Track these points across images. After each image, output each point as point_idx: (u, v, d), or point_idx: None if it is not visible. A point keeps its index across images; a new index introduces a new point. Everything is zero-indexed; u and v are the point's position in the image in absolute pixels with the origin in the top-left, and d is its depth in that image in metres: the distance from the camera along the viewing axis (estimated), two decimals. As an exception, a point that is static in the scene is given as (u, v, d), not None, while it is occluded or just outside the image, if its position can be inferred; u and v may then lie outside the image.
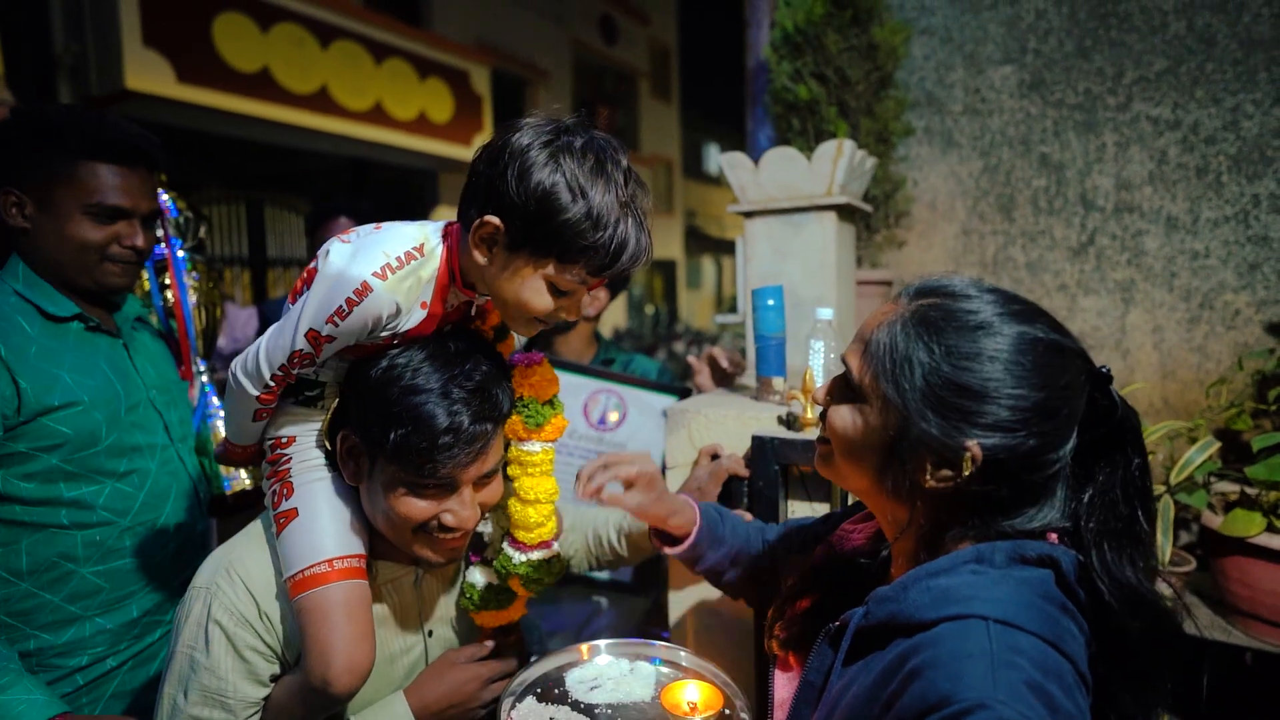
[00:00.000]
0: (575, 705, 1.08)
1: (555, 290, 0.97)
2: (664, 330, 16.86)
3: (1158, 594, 0.76)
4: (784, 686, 0.97)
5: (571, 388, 1.99)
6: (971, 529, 0.78)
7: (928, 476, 0.76)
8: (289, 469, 1.10)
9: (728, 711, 1.07)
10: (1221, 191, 2.08)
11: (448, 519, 1.05)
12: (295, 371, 1.04)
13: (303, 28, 8.21)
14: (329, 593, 1.02)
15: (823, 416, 0.89)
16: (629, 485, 1.12)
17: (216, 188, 8.21)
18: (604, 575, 2.05)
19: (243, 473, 1.68)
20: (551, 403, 1.15)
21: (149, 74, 6.90)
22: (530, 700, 1.09)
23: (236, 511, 1.69)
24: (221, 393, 1.70)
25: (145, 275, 1.73)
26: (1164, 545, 1.58)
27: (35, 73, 6.87)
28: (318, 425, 1.12)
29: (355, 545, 1.09)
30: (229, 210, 8.32)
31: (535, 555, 1.16)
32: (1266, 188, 2.02)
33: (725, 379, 1.97)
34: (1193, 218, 2.12)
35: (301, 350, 1.00)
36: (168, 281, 1.73)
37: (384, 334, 1.01)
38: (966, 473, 0.74)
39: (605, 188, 0.91)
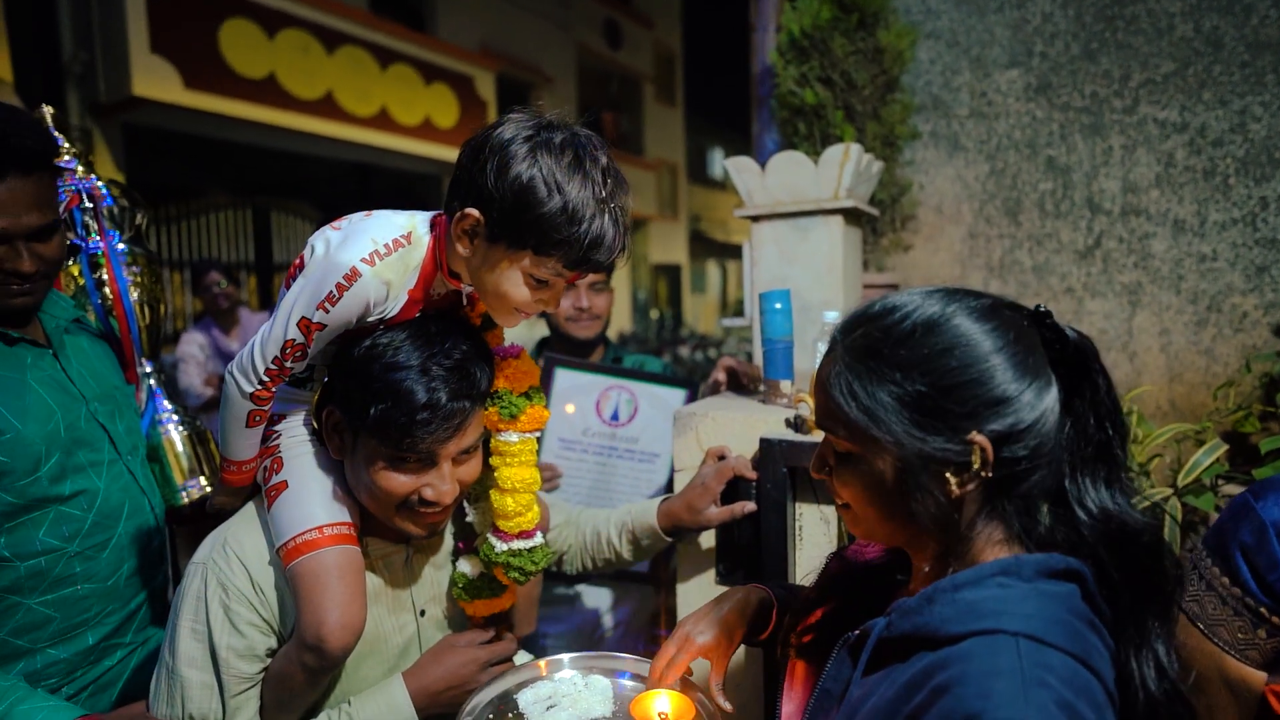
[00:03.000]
0: None
1: (533, 282, 1.00)
2: (669, 334, 16.86)
3: (1137, 515, 0.75)
4: (790, 699, 0.96)
5: (584, 386, 2.03)
6: (1001, 511, 0.77)
7: (953, 487, 0.75)
8: (278, 444, 1.13)
9: None
10: (1229, 194, 2.08)
11: (428, 493, 1.07)
12: (289, 365, 1.05)
13: (308, 34, 8.27)
14: (321, 557, 1.04)
15: (831, 490, 0.87)
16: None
17: (223, 193, 8.27)
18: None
19: (201, 479, 1.58)
20: (528, 394, 1.17)
21: (156, 81, 6.96)
22: None
23: (196, 520, 1.56)
24: (170, 394, 1.65)
25: (78, 270, 1.55)
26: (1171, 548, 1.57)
27: (44, 81, 6.93)
28: (307, 405, 1.15)
29: (344, 514, 1.11)
30: (236, 216, 8.38)
31: (516, 544, 1.17)
32: (1274, 190, 2.02)
33: (743, 390, 1.97)
34: (1200, 220, 2.12)
35: (294, 340, 1.01)
36: (105, 277, 1.54)
37: (371, 320, 1.04)
38: (977, 465, 0.73)
39: (582, 183, 0.94)
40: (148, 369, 1.64)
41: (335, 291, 0.98)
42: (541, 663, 1.19)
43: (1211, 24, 2.08)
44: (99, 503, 1.30)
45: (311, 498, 1.09)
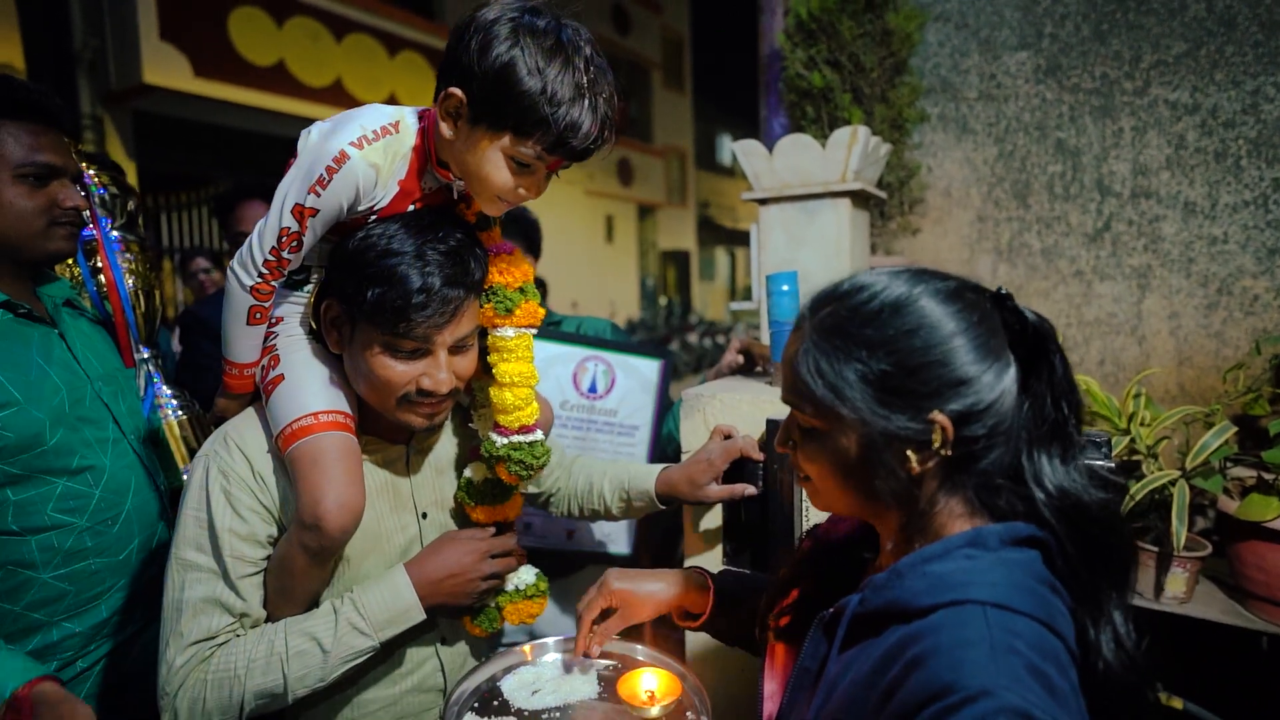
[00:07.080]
0: (519, 714, 1.07)
1: (515, 165, 1.01)
2: (677, 321, 16.84)
3: (1093, 491, 0.76)
4: (772, 679, 0.97)
5: (560, 357, 2.00)
6: (961, 486, 0.78)
7: (914, 465, 0.76)
8: (275, 343, 1.16)
9: (684, 700, 1.05)
10: (1240, 176, 2.06)
11: (425, 383, 1.08)
12: (286, 255, 1.07)
13: (317, 21, 8.27)
14: (318, 441, 1.06)
15: (795, 463, 0.88)
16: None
17: (234, 181, 8.29)
18: (611, 549, 2.07)
19: None
20: (522, 289, 1.18)
21: (166, 68, 6.99)
22: (470, 716, 1.06)
23: None
24: (168, 379, 1.65)
25: (72, 258, 1.58)
26: (1179, 531, 1.57)
27: (55, 68, 6.96)
28: (303, 306, 1.17)
29: (340, 403, 1.12)
30: (246, 203, 8.39)
31: (516, 438, 1.19)
32: (1287, 172, 2.00)
33: (751, 372, 1.98)
34: (1211, 203, 2.10)
35: (289, 228, 1.03)
36: (99, 264, 1.58)
37: (361, 209, 1.05)
38: (938, 444, 0.75)
39: (563, 67, 0.94)
40: (145, 355, 1.65)
41: (325, 174, 1.00)
42: (526, 648, 1.19)
43: (1224, 3, 2.05)
44: (105, 479, 1.34)
45: (308, 387, 1.11)
